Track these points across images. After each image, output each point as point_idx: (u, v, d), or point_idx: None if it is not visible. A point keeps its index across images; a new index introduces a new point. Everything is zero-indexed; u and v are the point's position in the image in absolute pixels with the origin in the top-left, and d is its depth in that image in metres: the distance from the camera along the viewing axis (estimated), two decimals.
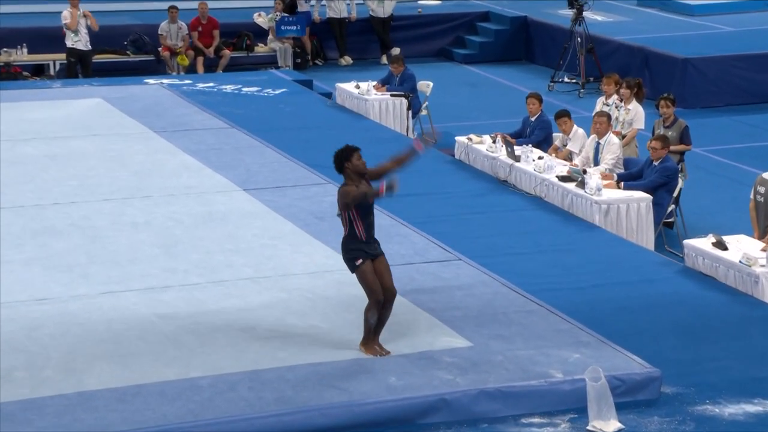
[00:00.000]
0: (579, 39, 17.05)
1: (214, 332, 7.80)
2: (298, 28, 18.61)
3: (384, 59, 18.99)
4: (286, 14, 18.62)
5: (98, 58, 17.35)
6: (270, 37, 18.78)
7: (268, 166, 11.58)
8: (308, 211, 10.28)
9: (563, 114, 11.64)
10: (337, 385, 7.03)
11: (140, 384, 7.01)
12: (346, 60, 19.18)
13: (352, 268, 7.46)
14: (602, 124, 11.15)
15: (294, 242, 9.54)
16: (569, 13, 17.62)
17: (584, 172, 10.74)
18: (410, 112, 14.09)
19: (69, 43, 16.65)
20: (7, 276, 8.67)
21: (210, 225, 9.87)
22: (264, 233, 9.71)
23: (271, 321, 7.96)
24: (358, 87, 14.44)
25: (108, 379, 7.07)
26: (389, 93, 14.24)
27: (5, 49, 17.11)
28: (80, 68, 16.73)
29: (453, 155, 12.45)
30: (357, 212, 7.36)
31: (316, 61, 19.13)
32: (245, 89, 15.06)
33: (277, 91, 15.00)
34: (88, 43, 16.77)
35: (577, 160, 11.37)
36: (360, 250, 7.41)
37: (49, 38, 17.36)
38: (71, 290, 8.44)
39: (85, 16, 16.53)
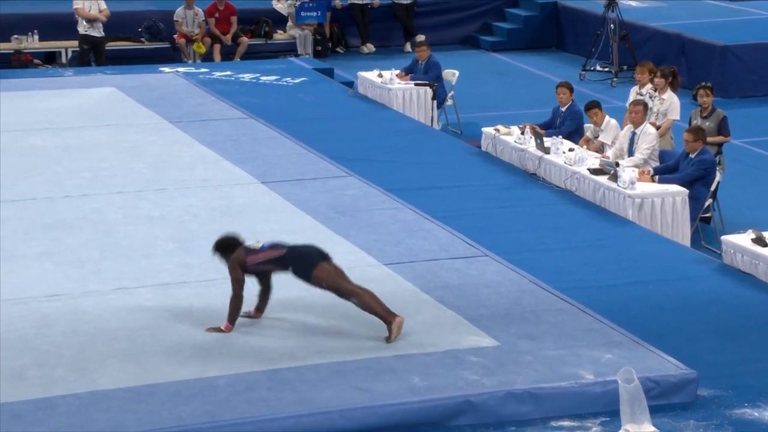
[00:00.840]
0: (612, 25, 16.86)
1: (231, 330, 7.62)
2: (319, 14, 18.42)
3: (408, 47, 18.82)
4: (306, 0, 18.42)
5: (112, 45, 17.21)
6: (289, 23, 18.59)
7: (287, 158, 11.47)
8: (328, 204, 10.14)
9: (593, 105, 11.47)
10: (359, 386, 6.90)
11: (155, 383, 6.89)
12: (369, 48, 18.99)
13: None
14: (638, 113, 10.97)
15: (314, 237, 9.33)
16: None
17: (617, 164, 10.53)
18: (435, 101, 13.94)
19: (81, 30, 16.52)
20: (18, 271, 8.57)
21: (227, 219, 9.74)
22: (283, 228, 9.57)
23: (291, 319, 7.84)
24: (380, 76, 14.28)
25: (121, 379, 6.96)
26: (413, 82, 14.07)
27: (16, 36, 16.99)
28: (93, 56, 16.59)
29: (479, 147, 12.31)
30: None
31: (337, 49, 18.95)
32: (264, 78, 14.94)
33: (297, 80, 14.87)
34: (102, 30, 16.61)
35: (609, 152, 11.17)
36: None
37: (61, 25, 17.24)
38: (83, 286, 8.32)
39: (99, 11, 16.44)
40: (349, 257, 8.89)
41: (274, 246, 7.56)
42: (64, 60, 17.21)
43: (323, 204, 10.15)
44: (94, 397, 6.71)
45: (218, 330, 7.54)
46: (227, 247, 7.65)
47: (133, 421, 6.46)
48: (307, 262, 7.47)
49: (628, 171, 10.30)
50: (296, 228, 9.60)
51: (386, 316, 7.48)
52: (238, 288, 7.54)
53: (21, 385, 6.84)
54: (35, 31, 17.23)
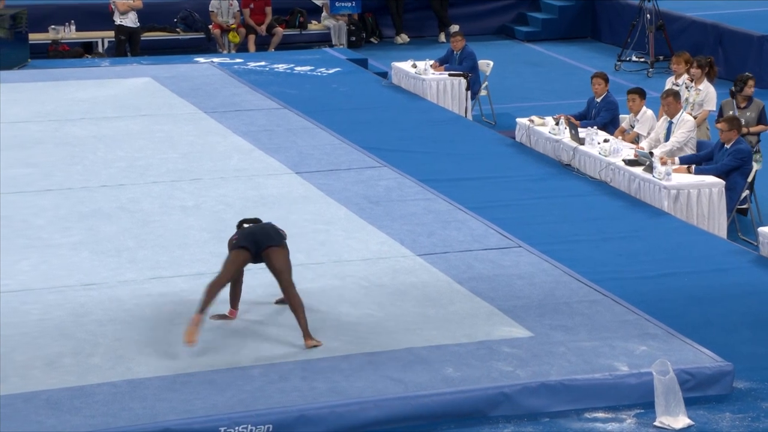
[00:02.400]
0: (648, 15, 16.70)
1: (265, 320, 7.68)
2: (353, 4, 18.38)
3: (442, 37, 18.76)
4: None
5: (147, 35, 17.27)
6: (324, 14, 18.57)
7: (321, 149, 11.45)
8: (362, 195, 10.12)
9: (636, 91, 11.35)
10: (392, 376, 6.89)
11: (189, 372, 6.91)
12: (403, 38, 18.94)
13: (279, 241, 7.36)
14: (670, 104, 10.85)
15: (347, 227, 9.39)
16: None
17: (651, 153, 10.45)
18: (469, 92, 13.87)
19: (117, 20, 16.58)
20: (55, 260, 8.61)
21: (261, 209, 9.73)
22: (316, 218, 9.57)
23: (324, 309, 7.83)
24: (414, 66, 14.23)
25: (157, 367, 6.99)
26: (447, 72, 14.01)
27: (53, 27, 17.08)
28: (129, 46, 16.65)
29: (514, 138, 12.23)
30: None
31: (372, 39, 18.90)
32: (298, 68, 14.93)
33: (331, 71, 14.84)
34: (137, 20, 16.68)
35: (644, 143, 11.07)
36: None
37: (97, 15, 17.31)
38: (119, 275, 8.35)
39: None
40: (382, 248, 8.89)
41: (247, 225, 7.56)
42: (100, 50, 17.29)
43: (357, 194, 10.14)
44: (129, 386, 6.74)
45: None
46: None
47: (168, 410, 6.48)
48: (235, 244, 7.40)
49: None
50: (330, 218, 9.60)
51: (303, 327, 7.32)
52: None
53: (57, 373, 6.89)
54: (72, 21, 17.32)
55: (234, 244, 7.41)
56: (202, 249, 8.84)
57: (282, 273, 7.32)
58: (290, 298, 7.31)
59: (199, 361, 7.05)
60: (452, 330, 7.51)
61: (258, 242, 7.35)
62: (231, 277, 7.39)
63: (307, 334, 7.28)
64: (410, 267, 8.55)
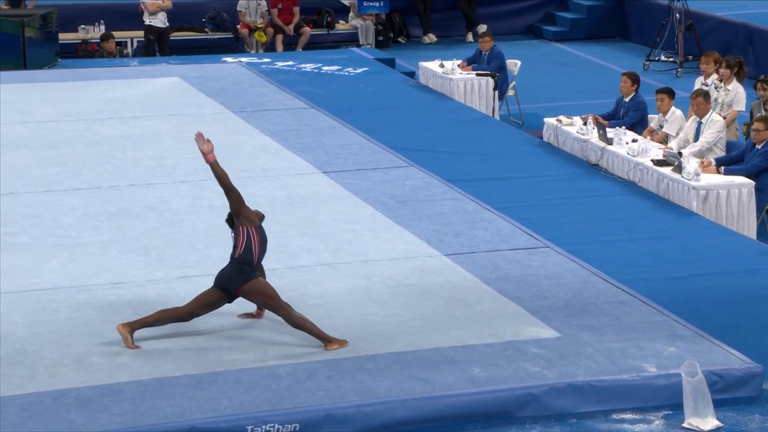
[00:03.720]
0: (677, 15, 16.62)
1: None
2: (381, 4, 18.38)
3: (469, 37, 18.73)
4: None
5: (176, 35, 17.35)
6: (351, 13, 18.57)
7: (348, 148, 11.45)
8: (389, 194, 10.12)
9: (664, 91, 11.30)
10: (419, 376, 6.88)
11: (217, 371, 6.93)
12: (430, 37, 18.93)
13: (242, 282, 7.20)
14: (699, 104, 10.79)
15: (374, 227, 9.38)
16: None
17: (680, 153, 10.40)
18: (497, 92, 13.83)
19: (147, 21, 16.66)
20: (84, 259, 8.65)
21: (288, 209, 9.76)
22: (344, 217, 9.57)
23: (351, 308, 7.84)
24: (442, 66, 14.21)
25: (184, 366, 7.01)
26: (475, 72, 13.98)
27: (82, 26, 17.18)
28: (158, 46, 16.72)
29: (541, 138, 12.20)
30: (256, 236, 7.29)
31: (399, 39, 18.89)
32: (325, 68, 14.94)
33: (358, 70, 14.84)
34: (166, 20, 16.75)
35: (673, 143, 11.01)
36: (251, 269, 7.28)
37: (127, 15, 17.40)
38: (147, 274, 8.39)
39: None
40: (409, 247, 8.88)
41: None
42: (129, 50, 17.38)
43: (384, 194, 10.14)
44: (158, 384, 6.76)
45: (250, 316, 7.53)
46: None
47: (196, 408, 6.50)
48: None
49: (692, 162, 10.15)
50: (356, 218, 9.60)
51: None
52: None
53: (86, 371, 6.92)
54: (101, 21, 17.42)
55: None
56: (229, 248, 8.82)
57: (264, 305, 7.28)
58: (290, 323, 7.22)
59: (227, 360, 7.07)
60: (479, 330, 7.49)
61: (225, 286, 7.27)
62: (196, 315, 7.32)
63: (326, 340, 7.24)
64: (437, 267, 8.54)
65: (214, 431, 6.36)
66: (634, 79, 11.77)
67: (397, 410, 6.60)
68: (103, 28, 17.31)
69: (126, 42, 17.42)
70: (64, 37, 16.25)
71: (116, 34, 17.24)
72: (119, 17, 17.60)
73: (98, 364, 7.02)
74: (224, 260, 8.61)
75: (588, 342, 7.32)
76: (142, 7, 16.73)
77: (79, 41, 17.15)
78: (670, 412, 6.73)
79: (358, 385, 6.78)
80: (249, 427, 6.40)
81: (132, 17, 17.20)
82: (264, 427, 6.41)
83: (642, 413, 6.75)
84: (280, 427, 6.43)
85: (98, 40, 16.62)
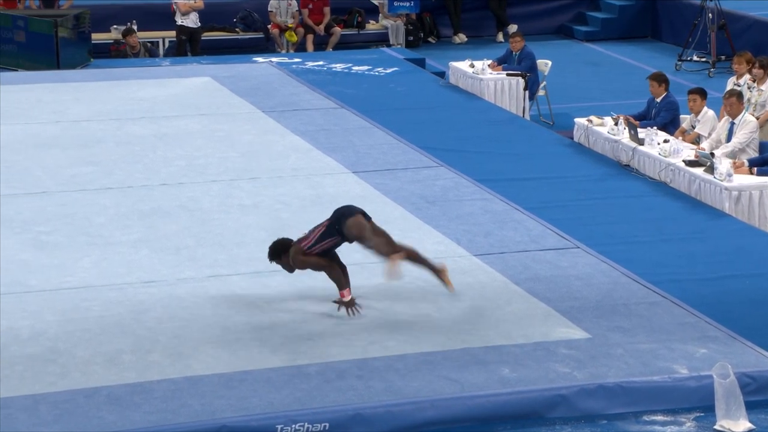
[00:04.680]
0: (710, 15, 16.51)
1: (321, 318, 7.69)
2: (412, 4, 18.37)
3: (500, 37, 18.68)
4: None
5: (207, 35, 17.42)
6: (381, 13, 18.58)
7: (378, 148, 11.46)
8: (419, 194, 10.11)
9: (696, 91, 11.23)
10: (448, 376, 6.87)
11: (247, 370, 6.95)
12: (461, 37, 18.90)
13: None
14: (733, 105, 10.72)
15: (404, 227, 9.38)
16: None
17: (712, 154, 10.33)
18: (527, 92, 13.79)
19: (179, 21, 16.74)
20: (116, 257, 8.70)
21: (318, 208, 9.73)
22: (373, 217, 9.48)
23: (380, 308, 7.84)
24: (472, 66, 14.19)
25: (215, 364, 7.04)
26: (505, 72, 13.94)
27: (115, 27, 17.28)
28: (189, 46, 16.80)
29: (572, 138, 12.16)
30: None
31: (429, 39, 18.88)
32: (355, 68, 14.95)
33: (388, 70, 14.84)
34: (198, 21, 16.83)
35: (705, 144, 10.94)
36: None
37: (159, 15, 17.49)
38: (178, 273, 8.42)
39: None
40: (438, 247, 8.86)
41: (317, 225, 7.73)
42: (161, 50, 17.47)
43: (413, 194, 10.13)
44: (188, 382, 6.79)
45: (341, 302, 7.64)
46: (283, 248, 7.74)
47: (226, 407, 6.51)
48: (344, 216, 7.60)
49: (725, 163, 10.07)
50: (386, 218, 9.56)
51: (433, 267, 7.68)
52: (323, 265, 7.63)
53: (117, 369, 6.96)
54: (134, 21, 17.52)
55: (350, 211, 7.65)
56: (259, 247, 8.85)
57: (367, 240, 7.59)
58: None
59: (257, 359, 7.09)
60: (509, 330, 7.48)
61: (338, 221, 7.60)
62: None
63: (436, 272, 7.61)
64: (467, 267, 8.52)
65: (244, 430, 6.38)
66: (661, 80, 11.69)
67: (427, 410, 6.60)
68: (135, 28, 17.40)
69: (158, 41, 17.51)
70: (97, 37, 16.35)
71: (148, 34, 17.35)
72: (151, 17, 17.69)
73: (129, 362, 7.06)
74: (254, 259, 8.66)
75: (618, 343, 7.28)
76: (174, 7, 16.81)
77: (112, 41, 17.25)
78: (702, 414, 6.69)
79: (388, 385, 6.78)
80: (279, 426, 6.41)
81: (164, 17, 17.29)
82: (294, 426, 6.42)
83: (673, 415, 6.71)
84: (310, 426, 6.44)
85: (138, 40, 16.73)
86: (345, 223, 7.61)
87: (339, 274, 7.64)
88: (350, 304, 7.62)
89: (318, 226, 7.75)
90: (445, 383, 6.79)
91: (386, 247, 7.59)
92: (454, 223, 9.39)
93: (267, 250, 7.82)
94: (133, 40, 16.10)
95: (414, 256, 7.74)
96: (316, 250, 7.65)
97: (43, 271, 8.38)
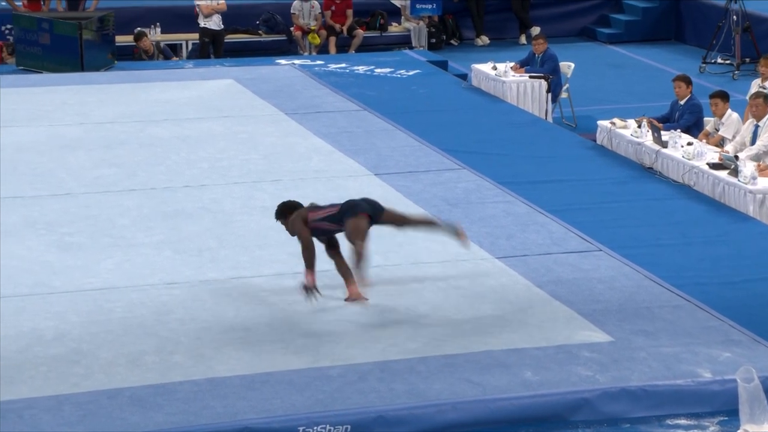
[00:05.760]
0: (735, 17, 16.41)
1: (342, 321, 7.70)
2: (434, 6, 18.34)
3: (522, 39, 18.63)
4: None
5: (230, 37, 17.46)
6: (404, 15, 18.57)
7: (400, 150, 11.45)
8: (441, 197, 10.11)
9: (717, 95, 11.16)
10: (470, 379, 6.87)
11: (269, 372, 6.97)
12: (483, 40, 18.86)
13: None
14: (758, 106, 10.68)
15: None
16: None
17: (736, 156, 10.27)
18: (550, 94, 13.75)
19: (202, 23, 16.79)
20: (138, 259, 8.73)
21: None
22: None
23: (402, 311, 7.84)
24: (494, 68, 14.15)
25: (237, 366, 7.06)
26: (528, 74, 13.90)
27: (139, 29, 17.33)
28: (212, 48, 16.84)
29: (594, 140, 12.11)
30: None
31: (452, 41, 18.85)
32: (378, 70, 14.94)
33: (411, 73, 14.82)
34: (221, 23, 16.88)
35: (729, 147, 10.87)
36: None
37: (182, 18, 17.55)
38: (201, 274, 8.44)
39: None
40: (460, 250, 8.82)
41: (335, 204, 7.92)
42: (184, 52, 17.52)
43: (436, 196, 10.12)
44: (210, 384, 6.81)
45: (303, 285, 7.73)
46: (290, 210, 7.95)
47: (248, 409, 6.53)
48: (349, 212, 7.77)
49: (749, 166, 10.01)
50: None
51: (447, 230, 7.91)
52: (304, 241, 7.78)
53: (139, 370, 6.99)
54: (157, 23, 17.59)
55: (354, 211, 7.72)
56: (281, 249, 8.89)
57: (401, 220, 7.94)
58: (417, 226, 8.05)
59: (279, 361, 7.11)
60: (531, 333, 7.46)
61: (374, 207, 7.88)
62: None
63: (452, 232, 7.90)
64: (489, 270, 8.51)
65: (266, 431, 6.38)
66: (688, 82, 11.65)
67: (448, 413, 6.60)
68: (158, 30, 17.47)
69: (181, 44, 17.56)
70: (121, 39, 16.41)
71: (171, 36, 17.40)
72: (175, 20, 17.74)
73: (152, 363, 7.09)
74: (276, 261, 8.67)
75: (641, 346, 7.26)
76: (197, 9, 16.87)
77: (135, 43, 17.30)
78: (726, 418, 6.68)
79: (409, 387, 6.77)
80: (300, 428, 6.42)
81: (187, 20, 17.34)
82: (315, 428, 6.43)
83: (696, 419, 6.70)
84: (332, 428, 6.45)
85: (154, 42, 16.79)
86: (347, 221, 7.76)
87: (311, 255, 7.74)
88: (308, 289, 7.67)
89: (333, 205, 7.93)
90: (467, 386, 6.79)
91: (358, 256, 7.70)
92: (476, 226, 9.38)
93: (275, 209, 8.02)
94: (146, 44, 16.15)
95: (428, 224, 8.05)
96: (318, 225, 7.80)
97: (67, 273, 8.43)
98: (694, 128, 11.48)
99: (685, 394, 6.80)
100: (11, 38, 15.81)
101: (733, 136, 11.06)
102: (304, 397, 6.67)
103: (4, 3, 17.05)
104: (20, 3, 16.60)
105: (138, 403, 6.61)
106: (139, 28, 16.68)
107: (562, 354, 7.17)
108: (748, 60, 16.32)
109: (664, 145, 10.97)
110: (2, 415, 6.46)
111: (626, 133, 11.58)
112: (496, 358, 7.12)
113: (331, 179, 10.65)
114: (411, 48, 17.75)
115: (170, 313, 7.79)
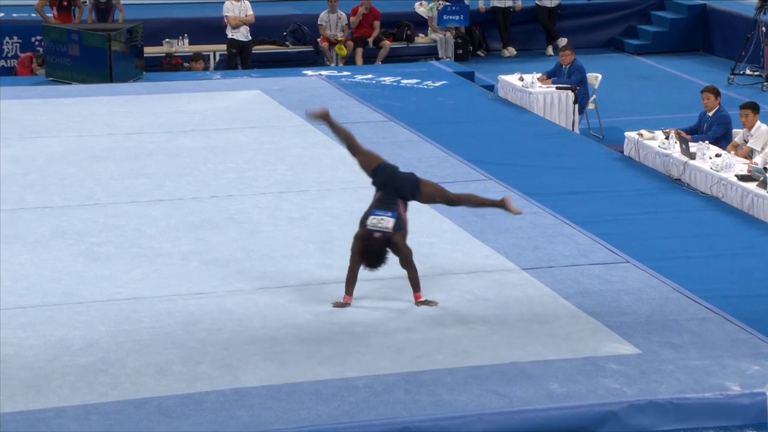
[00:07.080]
0: (764, 28, 16.34)
1: (369, 331, 7.70)
2: (461, 18, 18.35)
3: (549, 50, 18.61)
4: (448, 3, 18.39)
5: (257, 48, 17.53)
6: (430, 27, 18.59)
7: (426, 161, 11.45)
8: (467, 208, 10.04)
9: (748, 106, 11.10)
10: (496, 390, 6.85)
11: (295, 383, 6.98)
12: (510, 51, 18.85)
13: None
14: None
15: (452, 240, 9.36)
16: (753, 0, 16.84)
17: (766, 169, 10.20)
18: (577, 105, 13.72)
19: (230, 34, 16.87)
20: (166, 269, 8.76)
21: None
22: (421, 230, 9.54)
23: (428, 322, 7.82)
24: (521, 79, 14.13)
25: (263, 377, 7.07)
26: (555, 86, 13.88)
27: (167, 40, 17.45)
28: (240, 59, 16.92)
29: (622, 152, 12.07)
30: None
31: (479, 52, 18.86)
32: (404, 81, 14.96)
33: (437, 83, 14.83)
34: (249, 34, 16.96)
35: (758, 158, 10.81)
36: None
37: (210, 29, 17.64)
38: (227, 285, 8.46)
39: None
40: (487, 261, 8.84)
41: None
42: (212, 63, 17.61)
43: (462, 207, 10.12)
44: (237, 394, 6.83)
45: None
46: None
47: (274, 419, 6.55)
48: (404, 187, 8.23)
49: None
50: (434, 231, 9.58)
51: (495, 204, 8.23)
52: (353, 256, 8.00)
53: (167, 380, 7.02)
54: (185, 35, 17.68)
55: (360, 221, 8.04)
56: (308, 260, 8.91)
57: (440, 198, 8.19)
58: (463, 203, 8.33)
59: (305, 371, 7.11)
60: (557, 345, 7.44)
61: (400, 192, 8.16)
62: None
63: (495, 204, 8.21)
64: (515, 281, 8.49)
65: None
66: (717, 93, 11.60)
67: (474, 424, 6.59)
68: (186, 41, 17.56)
69: (209, 55, 17.65)
70: (149, 50, 16.52)
71: (199, 47, 17.48)
72: (203, 31, 17.84)
73: (179, 373, 7.11)
74: (303, 272, 8.68)
75: (669, 359, 7.23)
76: (225, 21, 16.96)
77: (164, 55, 17.42)
78: (755, 431, 6.63)
79: (435, 399, 6.77)
80: None
81: (215, 31, 17.44)
82: None
83: None
84: None
85: (186, 54, 16.86)
86: (416, 191, 8.13)
87: (353, 275, 7.97)
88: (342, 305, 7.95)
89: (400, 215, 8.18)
90: (493, 397, 6.77)
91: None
92: (502, 237, 9.36)
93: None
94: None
95: (474, 202, 8.36)
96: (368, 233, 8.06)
97: (95, 282, 8.47)
98: (722, 140, 11.43)
99: (713, 408, 6.76)
100: (41, 49, 15.94)
101: (762, 148, 10.99)
102: (330, 407, 6.68)
103: (34, 14, 17.19)
104: (51, 15, 16.74)
105: (165, 412, 6.63)
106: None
107: (589, 366, 7.14)
108: None
109: (692, 156, 10.93)
110: (31, 424, 6.50)
111: (654, 144, 11.54)
112: (522, 369, 7.11)
113: (358, 189, 10.64)
114: (438, 59, 17.76)
115: (197, 323, 7.82)
